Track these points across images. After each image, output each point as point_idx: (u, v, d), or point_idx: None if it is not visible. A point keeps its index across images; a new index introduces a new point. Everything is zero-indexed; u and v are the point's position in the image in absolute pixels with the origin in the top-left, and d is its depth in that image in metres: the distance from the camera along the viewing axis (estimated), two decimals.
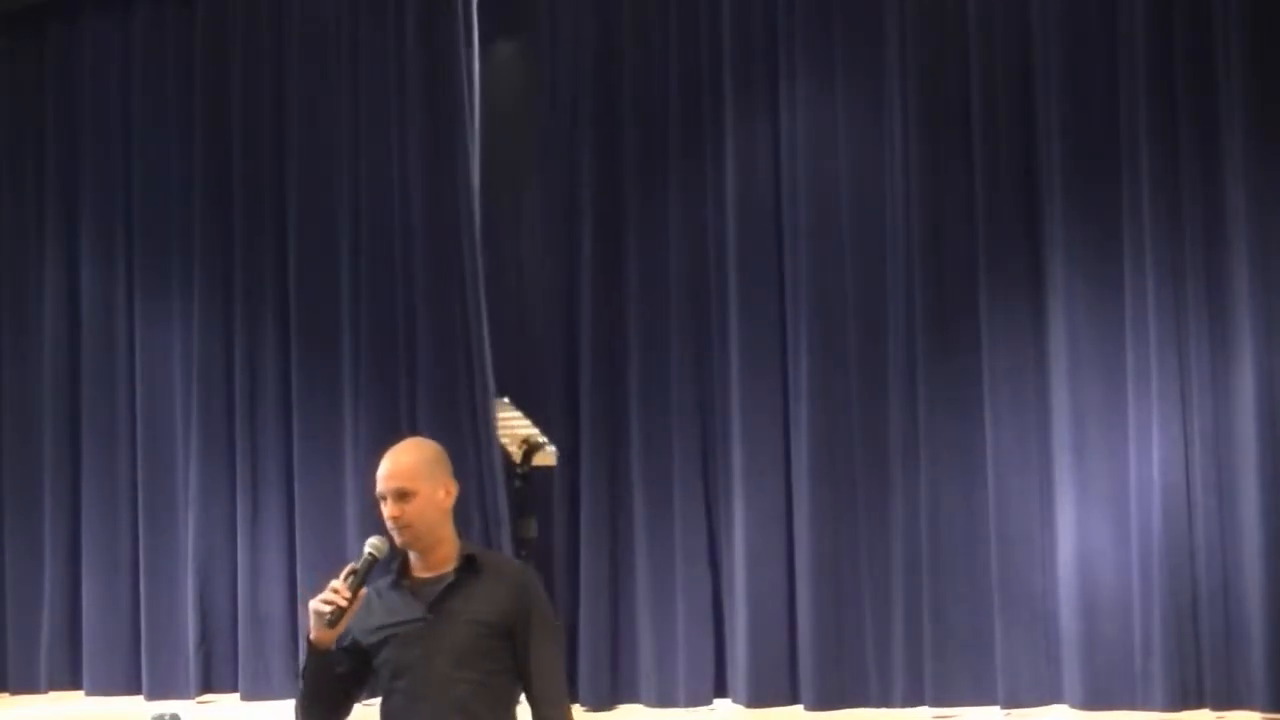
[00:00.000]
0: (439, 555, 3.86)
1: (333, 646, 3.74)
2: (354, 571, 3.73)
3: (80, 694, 8.44)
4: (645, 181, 7.50)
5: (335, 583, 3.71)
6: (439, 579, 3.83)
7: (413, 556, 3.86)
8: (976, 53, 6.99)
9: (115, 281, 8.64)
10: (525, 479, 8.19)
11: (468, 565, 3.86)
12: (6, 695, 8.54)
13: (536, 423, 8.22)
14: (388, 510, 3.82)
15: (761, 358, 7.27)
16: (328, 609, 3.67)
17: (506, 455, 8.39)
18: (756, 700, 7.12)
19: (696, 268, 7.43)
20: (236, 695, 8.09)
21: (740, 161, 7.36)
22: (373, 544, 3.82)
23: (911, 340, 7.01)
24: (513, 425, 8.27)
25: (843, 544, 7.07)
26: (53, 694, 8.48)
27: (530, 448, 8.19)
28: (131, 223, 8.63)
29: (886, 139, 7.16)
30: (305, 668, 3.80)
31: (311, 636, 3.74)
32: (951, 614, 6.82)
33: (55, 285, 8.74)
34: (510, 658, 3.82)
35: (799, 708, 7.06)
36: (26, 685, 8.54)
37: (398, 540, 3.84)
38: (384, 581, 3.85)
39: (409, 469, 3.84)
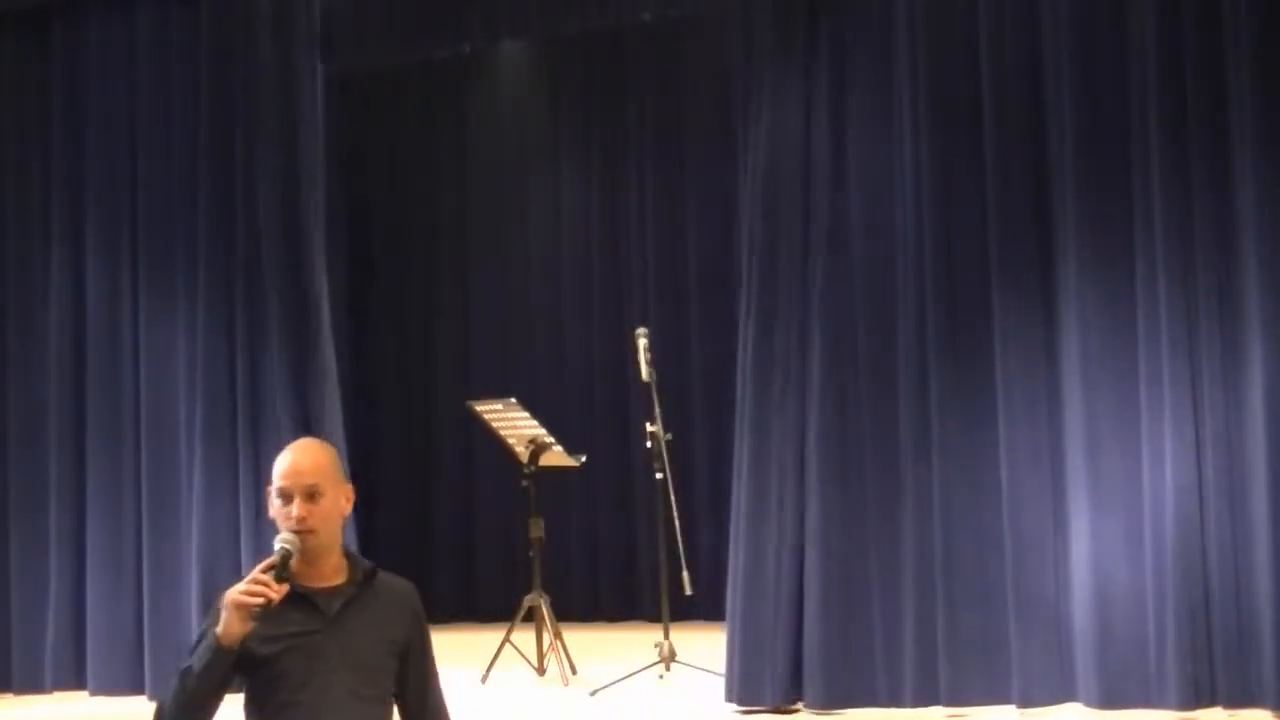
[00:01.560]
0: (330, 564, 3.74)
1: (238, 645, 3.56)
2: (272, 567, 3.57)
3: (84, 694, 8.42)
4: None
5: (259, 575, 3.54)
6: (335, 590, 3.72)
7: (296, 563, 3.67)
8: (986, 55, 6.99)
9: (120, 282, 8.64)
10: (532, 479, 8.24)
11: (367, 580, 3.75)
12: (11, 695, 8.51)
13: (550, 426, 8.25)
14: (295, 510, 3.65)
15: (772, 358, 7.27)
16: (258, 600, 3.49)
17: (514, 456, 8.43)
18: None
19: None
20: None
21: (750, 163, 7.36)
22: (286, 539, 3.65)
23: (922, 342, 7.00)
24: (520, 426, 8.30)
25: (853, 546, 7.05)
26: (57, 694, 8.46)
27: (537, 448, 8.22)
28: (136, 223, 8.63)
29: (896, 140, 7.16)
30: (204, 666, 3.57)
31: (220, 632, 3.54)
32: (964, 614, 6.81)
33: (60, 285, 8.74)
34: (394, 679, 3.75)
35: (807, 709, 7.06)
36: (31, 685, 8.52)
37: (296, 544, 3.67)
38: None
39: (320, 467, 3.71)
